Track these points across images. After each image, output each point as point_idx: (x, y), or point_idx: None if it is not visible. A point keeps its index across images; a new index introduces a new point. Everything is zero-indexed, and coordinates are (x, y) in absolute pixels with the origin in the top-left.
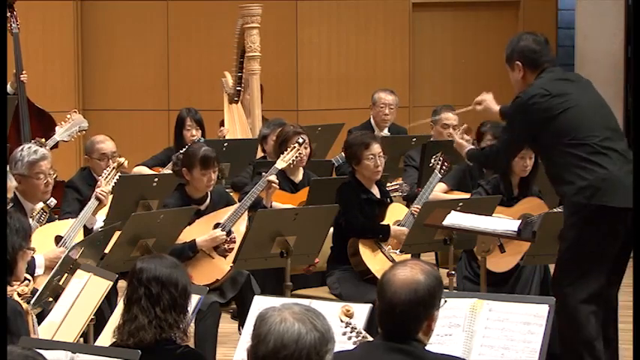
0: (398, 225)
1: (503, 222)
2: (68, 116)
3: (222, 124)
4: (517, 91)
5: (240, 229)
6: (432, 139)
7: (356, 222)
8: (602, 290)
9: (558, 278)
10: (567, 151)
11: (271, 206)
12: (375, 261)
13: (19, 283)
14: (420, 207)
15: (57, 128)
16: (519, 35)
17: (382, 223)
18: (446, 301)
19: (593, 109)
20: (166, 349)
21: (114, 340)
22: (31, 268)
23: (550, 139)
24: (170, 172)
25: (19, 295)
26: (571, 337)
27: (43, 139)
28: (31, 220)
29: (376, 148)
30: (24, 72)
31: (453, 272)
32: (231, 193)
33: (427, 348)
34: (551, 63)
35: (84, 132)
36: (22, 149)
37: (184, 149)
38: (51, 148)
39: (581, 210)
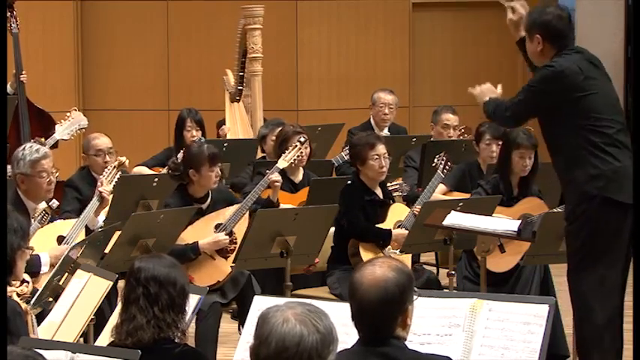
0: (399, 226)
1: (503, 222)
2: (68, 114)
3: (219, 125)
4: (535, 62)
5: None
6: (432, 139)
7: (357, 225)
8: (618, 282)
9: (576, 275)
10: (585, 136)
11: (278, 200)
12: None
13: (18, 283)
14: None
15: (57, 127)
16: (542, 8)
17: (384, 223)
18: (419, 295)
19: (612, 99)
20: (165, 349)
21: (111, 339)
22: (36, 266)
23: (571, 119)
24: None
25: (19, 295)
26: (591, 335)
27: (43, 139)
28: (32, 220)
29: (381, 148)
30: (23, 72)
31: (453, 272)
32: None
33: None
34: (572, 41)
35: (84, 130)
36: (23, 148)
37: (181, 152)
38: (51, 148)
39: (590, 200)
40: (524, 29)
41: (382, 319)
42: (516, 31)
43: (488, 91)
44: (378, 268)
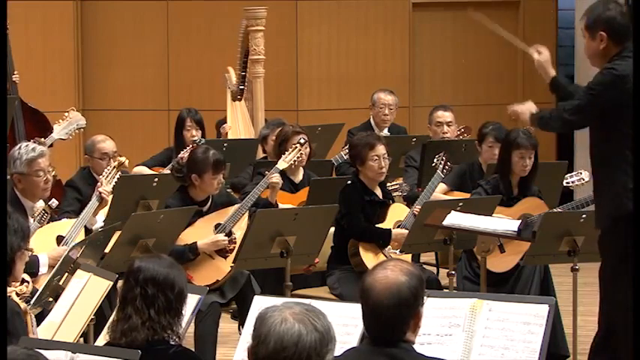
0: (399, 226)
1: (503, 222)
2: (66, 114)
3: (218, 124)
4: (592, 62)
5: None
6: (430, 139)
7: (358, 225)
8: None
9: (619, 295)
10: (628, 145)
11: (276, 203)
12: (375, 261)
13: (17, 283)
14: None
15: (55, 126)
16: (604, 3)
17: (384, 223)
18: (428, 296)
19: None
20: (158, 349)
21: (107, 337)
22: (35, 267)
23: (622, 128)
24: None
25: (18, 294)
26: None
27: (43, 139)
28: (32, 220)
29: (381, 149)
30: (15, 72)
31: (453, 272)
32: (232, 194)
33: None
34: (631, 40)
35: (82, 130)
36: (19, 147)
37: (184, 151)
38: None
39: (625, 214)
40: (584, 27)
41: (395, 323)
42: (546, 71)
43: (530, 107)
44: (390, 272)
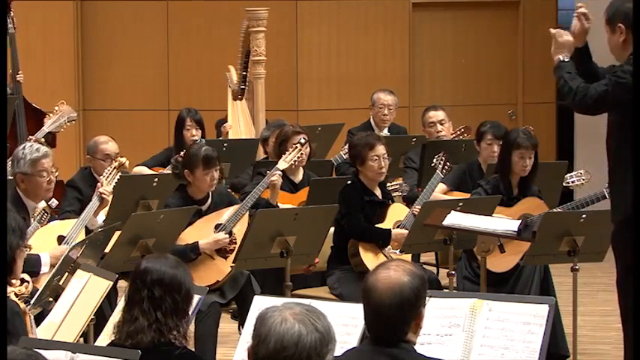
0: (399, 226)
1: (503, 222)
2: (56, 108)
3: (218, 124)
4: (616, 56)
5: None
6: (429, 140)
7: (357, 226)
8: None
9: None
10: None
11: (277, 203)
12: (375, 261)
13: (18, 282)
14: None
15: (45, 120)
16: None
17: (383, 223)
18: (430, 297)
19: None
20: (164, 350)
21: (112, 337)
22: (36, 266)
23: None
24: (170, 172)
25: (17, 295)
26: None
27: (43, 139)
28: (32, 220)
29: (381, 149)
30: (20, 72)
31: (453, 272)
32: (232, 194)
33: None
34: None
35: (73, 122)
36: (23, 147)
37: (183, 152)
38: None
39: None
40: (605, 22)
41: (396, 323)
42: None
43: (568, 46)
44: (393, 272)
